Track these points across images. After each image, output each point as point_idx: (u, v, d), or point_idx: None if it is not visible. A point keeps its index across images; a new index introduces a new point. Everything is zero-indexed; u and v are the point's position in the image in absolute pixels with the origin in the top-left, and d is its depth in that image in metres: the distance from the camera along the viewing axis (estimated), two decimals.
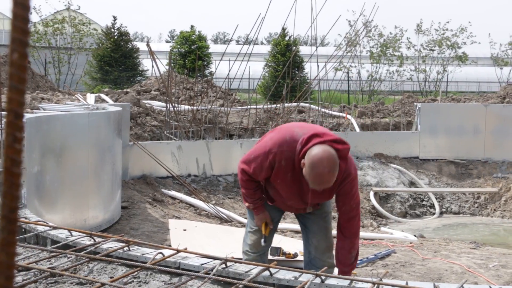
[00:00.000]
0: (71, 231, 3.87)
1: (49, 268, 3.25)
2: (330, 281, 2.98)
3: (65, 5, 32.06)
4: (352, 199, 4.16)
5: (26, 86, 0.64)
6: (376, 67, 33.77)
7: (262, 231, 4.42)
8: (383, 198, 13.45)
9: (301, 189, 4.05)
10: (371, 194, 13.06)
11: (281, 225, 9.26)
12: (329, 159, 3.70)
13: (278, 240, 7.45)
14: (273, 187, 4.23)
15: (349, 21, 27.22)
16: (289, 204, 4.32)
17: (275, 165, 4.00)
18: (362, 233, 9.24)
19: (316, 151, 3.73)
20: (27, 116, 5.96)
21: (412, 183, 14.35)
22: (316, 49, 15.85)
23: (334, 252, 4.37)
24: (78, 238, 3.74)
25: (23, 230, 4.26)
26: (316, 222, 4.41)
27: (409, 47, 34.98)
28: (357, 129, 16.75)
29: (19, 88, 0.64)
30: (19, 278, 3.12)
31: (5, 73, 14.28)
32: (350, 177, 4.04)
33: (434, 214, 13.42)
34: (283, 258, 6.05)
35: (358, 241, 4.34)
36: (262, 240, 4.46)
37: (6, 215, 0.64)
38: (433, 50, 35.14)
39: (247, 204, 4.43)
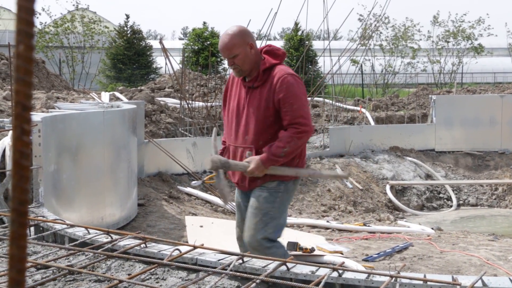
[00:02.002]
0: (88, 229, 3.89)
1: (68, 266, 3.26)
2: (347, 275, 2.96)
3: (73, 5, 32.21)
4: (290, 117, 3.94)
5: (33, 78, 0.63)
6: (389, 60, 33.60)
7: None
8: (400, 192, 13.38)
9: (241, 98, 4.14)
10: (387, 187, 13.01)
11: (297, 219, 9.25)
12: (234, 26, 4.09)
13: (294, 235, 7.44)
14: (228, 111, 4.27)
15: (360, 16, 27.06)
16: (234, 135, 4.15)
17: (229, 83, 4.28)
18: (379, 227, 9.20)
19: None
20: (43, 115, 5.99)
21: (428, 176, 14.27)
22: (329, 43, 15.79)
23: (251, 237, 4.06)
24: (96, 236, 3.76)
25: (41, 228, 4.28)
26: (247, 215, 4.18)
27: (421, 39, 34.74)
28: (372, 123, 16.68)
29: (26, 80, 0.63)
30: (38, 276, 3.14)
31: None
32: (287, 86, 3.95)
33: (451, 206, 13.33)
34: (300, 253, 6.04)
35: (295, 149, 3.95)
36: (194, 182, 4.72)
37: (16, 208, 0.64)
38: (448, 42, 34.89)
39: None
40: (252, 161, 3.91)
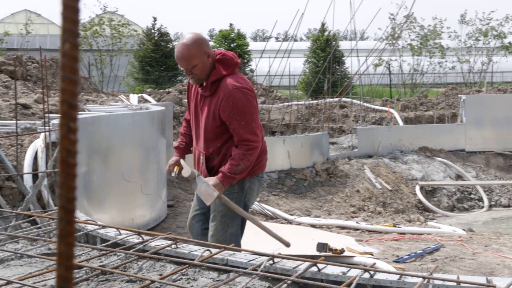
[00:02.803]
0: (120, 230, 3.91)
1: (100, 266, 3.29)
2: (379, 276, 2.93)
3: (101, 8, 32.57)
4: (239, 135, 4.03)
5: (78, 76, 0.64)
6: (418, 60, 33.30)
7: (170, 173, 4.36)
8: (429, 192, 13.25)
9: (197, 102, 4.18)
10: (417, 188, 12.89)
11: (327, 221, 9.21)
12: (190, 35, 3.99)
13: (324, 236, 7.42)
14: (191, 113, 4.32)
15: (391, 14, 26.86)
16: (194, 136, 4.30)
17: (189, 84, 4.26)
18: (410, 228, 9.12)
19: None
20: None
21: (458, 176, 14.10)
22: (356, 44, 15.72)
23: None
24: (127, 237, 3.78)
25: None
26: (210, 219, 4.33)
27: (450, 36, 34.34)
28: (400, 123, 16.55)
29: (72, 78, 0.64)
30: None
31: (51, 76, 14.58)
32: (233, 102, 3.97)
33: (482, 207, 13.16)
34: (329, 253, 6.01)
35: (248, 165, 4.10)
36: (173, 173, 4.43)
37: (63, 205, 0.65)
38: (479, 40, 34.43)
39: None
40: (210, 180, 4.02)
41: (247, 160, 4.03)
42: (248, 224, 8.15)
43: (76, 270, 3.27)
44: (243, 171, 4.06)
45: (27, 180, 6.04)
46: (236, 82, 4.01)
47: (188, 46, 3.92)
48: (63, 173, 0.64)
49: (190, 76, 4.02)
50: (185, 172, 4.09)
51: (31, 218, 4.90)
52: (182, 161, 4.31)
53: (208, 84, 4.03)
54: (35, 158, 6.28)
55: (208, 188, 3.98)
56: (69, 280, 0.64)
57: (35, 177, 6.09)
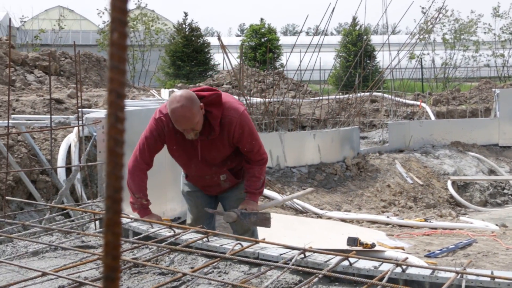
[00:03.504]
0: (152, 223, 3.96)
1: (132, 258, 3.33)
2: (411, 271, 2.91)
3: (135, 3, 32.82)
4: (253, 154, 4.35)
5: (126, 66, 0.65)
6: (451, 54, 32.86)
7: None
8: (462, 187, 13.08)
9: (192, 145, 4.24)
10: (449, 183, 12.73)
11: (357, 215, 9.17)
12: (181, 95, 3.93)
13: (355, 231, 7.39)
14: (177, 157, 4.50)
15: (423, 8, 26.53)
16: (197, 172, 4.48)
17: (165, 130, 4.25)
18: (441, 223, 9.03)
19: (173, 93, 4.06)
20: (104, 112, 6.14)
21: (492, 171, 13.89)
22: (388, 38, 15.57)
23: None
24: (159, 230, 3.82)
25: None
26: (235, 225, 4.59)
27: (486, 32, 33.80)
28: (432, 117, 16.38)
29: (120, 67, 0.65)
30: None
31: (83, 72, 14.75)
32: (242, 130, 4.18)
33: None
34: (360, 248, 5.99)
35: (264, 174, 4.51)
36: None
37: (110, 195, 0.66)
38: None
39: (133, 207, 4.50)
40: (247, 204, 4.35)
41: (264, 172, 4.47)
42: (278, 218, 8.16)
43: None
44: (263, 183, 4.48)
45: (61, 173, 6.14)
46: (232, 110, 4.16)
47: (188, 107, 3.90)
48: (111, 162, 0.66)
49: (191, 133, 4.04)
50: (228, 218, 4.29)
51: (65, 211, 4.98)
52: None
53: (215, 128, 4.10)
54: (68, 152, 6.38)
55: (257, 216, 4.29)
56: (116, 269, 0.65)
57: (68, 171, 6.18)
